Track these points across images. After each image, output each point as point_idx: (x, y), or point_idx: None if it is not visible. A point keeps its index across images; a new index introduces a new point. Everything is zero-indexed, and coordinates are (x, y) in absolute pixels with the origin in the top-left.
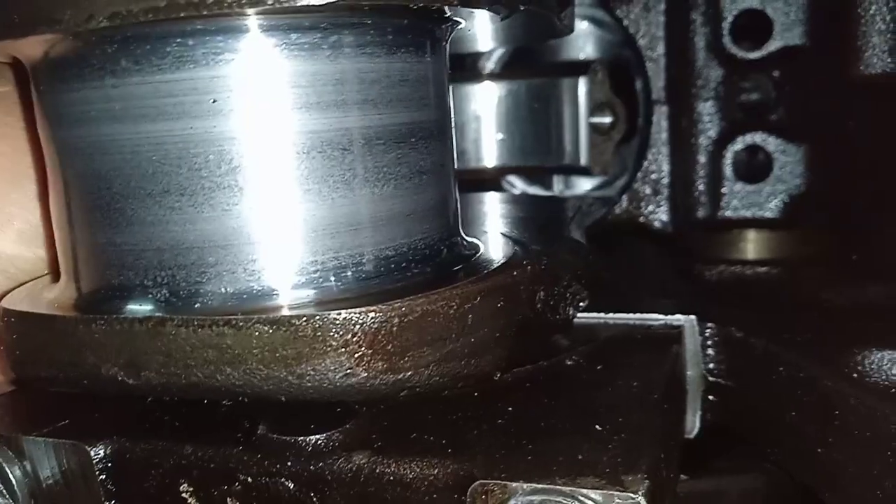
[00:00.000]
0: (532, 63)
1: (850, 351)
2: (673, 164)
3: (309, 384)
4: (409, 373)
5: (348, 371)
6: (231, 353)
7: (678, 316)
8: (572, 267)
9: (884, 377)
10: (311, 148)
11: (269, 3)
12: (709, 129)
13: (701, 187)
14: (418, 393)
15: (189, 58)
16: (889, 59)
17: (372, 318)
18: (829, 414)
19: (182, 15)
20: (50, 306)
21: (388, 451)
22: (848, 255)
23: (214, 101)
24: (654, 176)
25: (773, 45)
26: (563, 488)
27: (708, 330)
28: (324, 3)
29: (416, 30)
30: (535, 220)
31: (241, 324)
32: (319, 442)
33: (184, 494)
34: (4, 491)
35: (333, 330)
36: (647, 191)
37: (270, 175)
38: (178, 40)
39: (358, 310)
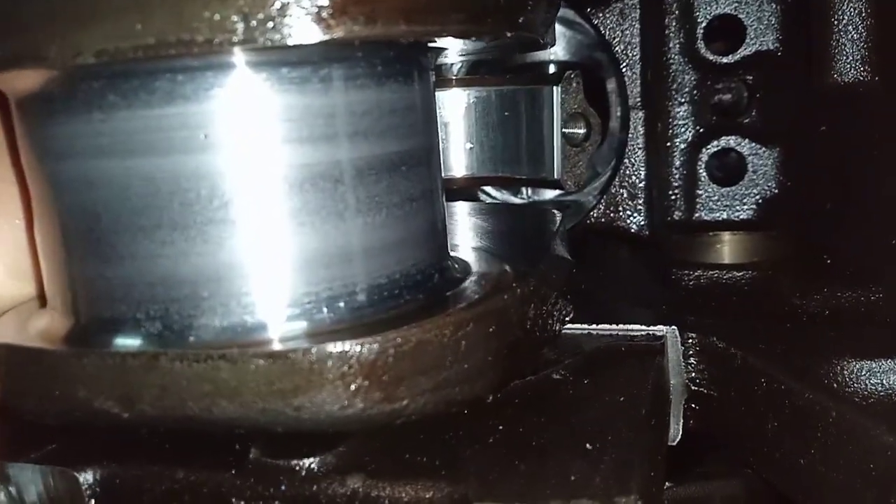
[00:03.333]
0: (501, 69)
1: (828, 361)
2: (649, 167)
3: (306, 416)
4: (405, 401)
5: (345, 402)
6: (227, 387)
7: (661, 327)
8: (559, 285)
9: (862, 388)
10: (303, 181)
11: (259, 41)
12: (684, 132)
13: (677, 190)
14: (413, 420)
15: (178, 93)
16: (861, 68)
17: (368, 349)
18: (808, 426)
19: (171, 52)
20: (38, 339)
21: (381, 474)
22: (820, 259)
23: (205, 136)
24: (630, 180)
25: (746, 51)
26: None
27: (689, 340)
28: (316, 41)
29: (405, 59)
30: (518, 232)
31: (236, 357)
32: (313, 466)
33: None
34: None
35: (330, 362)
36: (624, 195)
37: (263, 209)
38: (168, 76)
39: (354, 341)
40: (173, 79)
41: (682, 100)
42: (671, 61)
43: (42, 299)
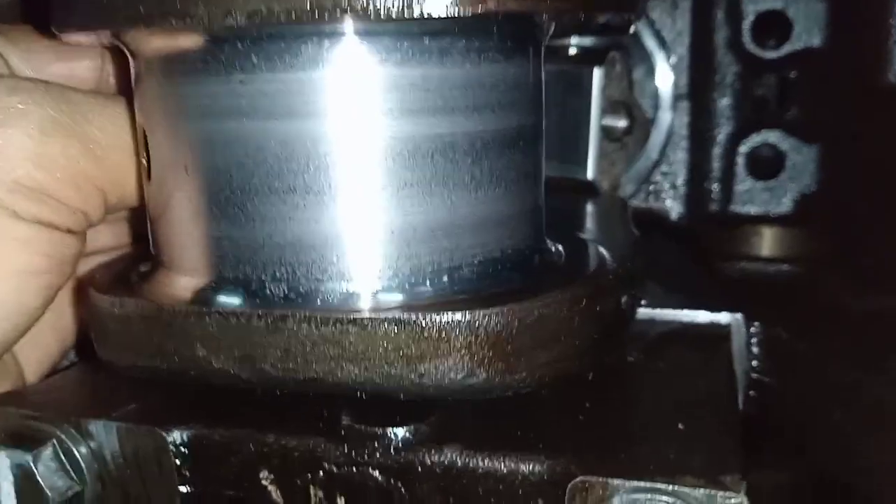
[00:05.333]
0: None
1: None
2: (690, 158)
3: (429, 383)
4: (524, 374)
5: (469, 371)
6: (353, 351)
7: (725, 314)
8: (642, 269)
9: None
10: (434, 151)
11: (413, 10)
12: (725, 125)
13: (715, 182)
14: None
15: (321, 58)
16: None
17: (495, 320)
18: (875, 417)
19: (326, 18)
20: (152, 295)
21: (478, 445)
22: (859, 257)
23: (343, 103)
24: (672, 169)
25: (791, 46)
26: (666, 486)
27: (752, 329)
28: (470, 13)
29: (528, 35)
30: (594, 216)
31: (366, 322)
32: (407, 434)
33: (264, 482)
34: (73, 473)
35: (458, 331)
36: (666, 184)
37: (396, 176)
38: (315, 39)
39: (482, 311)
40: (320, 43)
41: (725, 92)
42: (716, 53)
43: (137, 252)
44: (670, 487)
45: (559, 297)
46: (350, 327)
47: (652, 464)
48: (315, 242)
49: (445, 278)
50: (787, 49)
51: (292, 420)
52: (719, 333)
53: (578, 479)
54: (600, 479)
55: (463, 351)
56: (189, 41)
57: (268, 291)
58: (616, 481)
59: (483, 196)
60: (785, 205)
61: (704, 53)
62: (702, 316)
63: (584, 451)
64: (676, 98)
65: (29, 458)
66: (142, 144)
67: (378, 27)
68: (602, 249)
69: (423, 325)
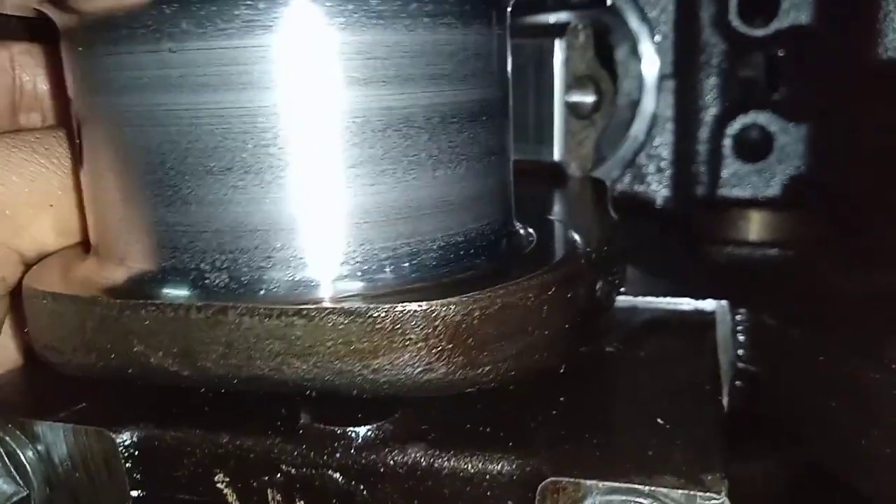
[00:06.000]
0: None
1: (891, 341)
2: (676, 140)
3: (384, 379)
4: (487, 367)
5: (427, 366)
6: (300, 345)
7: (710, 301)
8: (620, 254)
9: None
10: (387, 125)
11: None
12: (711, 105)
13: (702, 165)
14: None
15: (259, 23)
16: None
17: (454, 310)
18: (868, 405)
19: None
20: (83, 287)
21: (444, 444)
22: (851, 240)
23: (285, 72)
24: (657, 152)
25: (779, 24)
26: (642, 487)
27: (737, 316)
28: None
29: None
30: (569, 198)
31: (313, 314)
32: (369, 433)
33: (219, 485)
34: (18, 477)
35: (414, 322)
36: (651, 168)
37: (345, 154)
38: (249, 3)
39: (439, 301)
40: (255, 6)
41: (711, 72)
42: (702, 32)
43: (84, 245)
44: (647, 489)
45: (525, 285)
46: (296, 319)
47: (628, 462)
48: (256, 227)
49: (405, 265)
50: (774, 27)
51: (249, 419)
52: (704, 321)
53: (549, 479)
54: (572, 480)
55: (420, 344)
56: (113, 5)
57: (208, 281)
58: (589, 482)
59: (443, 175)
60: (773, 187)
61: (690, 32)
62: (686, 304)
63: (555, 449)
64: (661, 78)
65: None
66: (74, 125)
67: None
68: (574, 234)
69: (376, 316)
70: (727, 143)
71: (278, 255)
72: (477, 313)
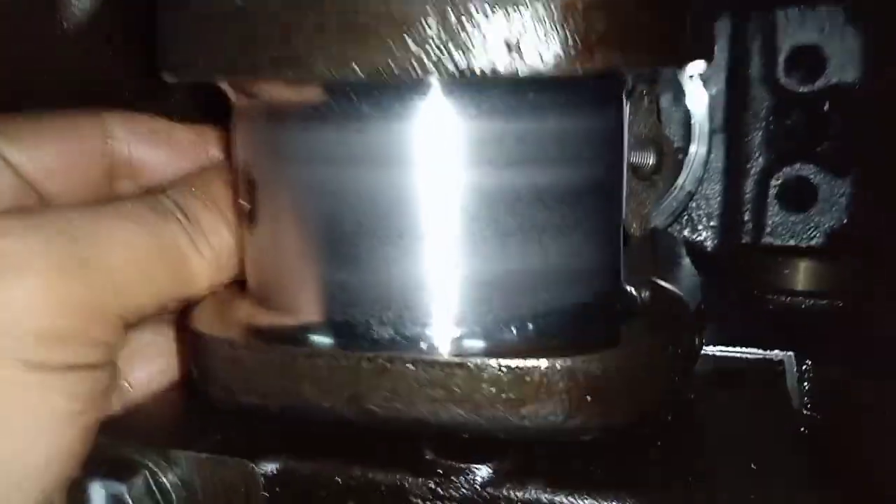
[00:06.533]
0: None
1: None
2: (724, 190)
3: (530, 425)
4: (617, 416)
5: (568, 414)
6: (459, 393)
7: (777, 351)
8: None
9: None
10: (533, 200)
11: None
12: (756, 157)
13: (746, 214)
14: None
15: (433, 110)
16: None
17: (594, 366)
18: None
19: (445, 77)
20: (254, 334)
21: (560, 483)
22: None
23: (462, 154)
24: (708, 201)
25: (825, 81)
26: None
27: (804, 366)
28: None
29: (611, 87)
30: (654, 254)
31: (471, 366)
32: (491, 470)
33: None
34: (162, 502)
35: (559, 376)
36: (702, 215)
37: (502, 225)
38: (429, 94)
39: (581, 357)
40: (433, 97)
41: (758, 125)
42: (751, 87)
43: (224, 292)
44: None
45: (650, 344)
46: (457, 370)
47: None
48: (422, 288)
49: (540, 323)
50: (820, 83)
51: (376, 454)
52: (773, 370)
53: None
54: None
55: (563, 395)
56: (308, 92)
57: (374, 334)
58: None
59: (574, 244)
60: (818, 237)
61: (739, 87)
62: (753, 353)
63: (666, 492)
64: (712, 132)
65: (123, 488)
66: (243, 188)
67: (489, 84)
68: (676, 291)
69: (527, 369)
70: (772, 193)
71: (438, 314)
72: (613, 368)
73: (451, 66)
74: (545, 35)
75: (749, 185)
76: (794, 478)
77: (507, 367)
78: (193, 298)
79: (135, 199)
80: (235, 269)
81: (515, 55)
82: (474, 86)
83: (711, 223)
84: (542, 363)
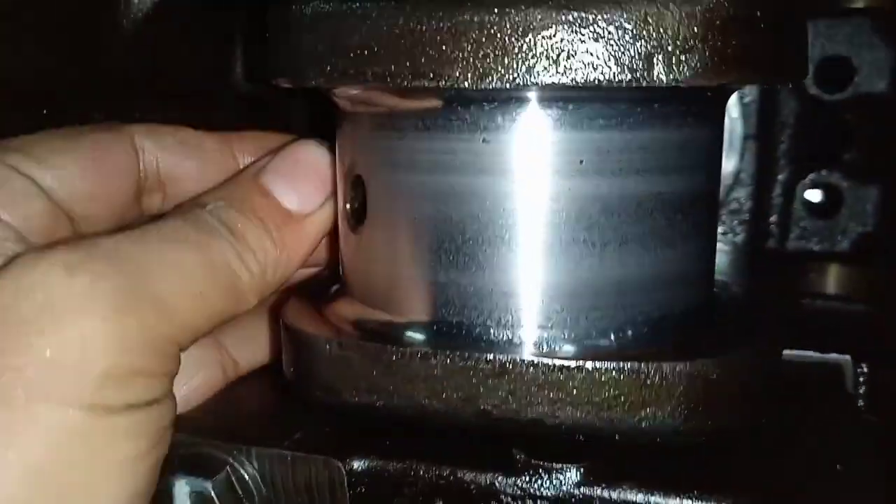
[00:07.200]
0: None
1: None
2: (754, 196)
3: (645, 427)
4: (725, 420)
5: (683, 417)
6: (577, 395)
7: (834, 355)
8: None
9: None
10: (652, 208)
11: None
12: (784, 164)
13: (773, 219)
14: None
15: (561, 122)
16: None
17: (711, 370)
18: None
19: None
20: (364, 336)
21: (652, 483)
22: None
23: (581, 162)
24: (737, 207)
25: (854, 90)
26: None
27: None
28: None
29: (723, 99)
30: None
31: (590, 369)
32: (583, 470)
33: None
34: (244, 499)
35: (678, 379)
36: (734, 221)
37: (621, 233)
38: (560, 104)
39: (700, 361)
40: (562, 107)
41: (787, 132)
42: (779, 95)
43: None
44: None
45: (756, 349)
46: (576, 373)
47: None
48: (542, 293)
49: (652, 328)
50: (849, 93)
51: (464, 454)
52: (833, 373)
53: None
54: None
55: (681, 398)
56: (438, 101)
57: (492, 336)
58: None
59: (682, 251)
60: (844, 243)
61: (769, 95)
62: (811, 356)
63: (758, 493)
64: (745, 138)
65: (208, 485)
66: (349, 189)
67: (616, 95)
68: (756, 300)
69: (646, 373)
70: (797, 199)
71: (557, 317)
72: (727, 373)
73: (580, 78)
74: (684, 50)
75: (776, 191)
76: (874, 479)
77: (628, 369)
78: (241, 314)
79: (176, 218)
80: (281, 281)
81: (651, 68)
82: (601, 97)
83: (740, 228)
84: (663, 367)
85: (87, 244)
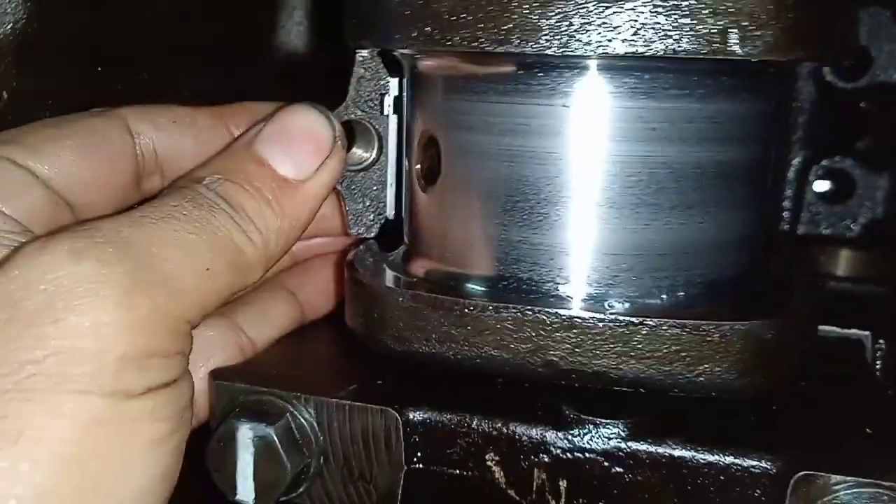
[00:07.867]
0: None
1: None
2: None
3: (703, 381)
4: (775, 377)
5: (739, 373)
6: (640, 350)
7: (854, 330)
8: None
9: None
10: (704, 177)
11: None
12: (798, 149)
13: (785, 203)
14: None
15: (636, 90)
16: None
17: (766, 329)
18: None
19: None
20: (435, 289)
21: (699, 439)
22: None
23: (653, 129)
24: None
25: (870, 79)
26: (885, 483)
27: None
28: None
29: (789, 74)
30: None
31: (654, 325)
32: (631, 425)
33: (489, 463)
34: (303, 445)
35: (737, 337)
36: None
37: (687, 198)
38: (637, 74)
39: (757, 322)
40: (642, 77)
41: (803, 119)
42: (797, 81)
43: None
44: (888, 484)
45: (804, 313)
46: (641, 328)
47: (865, 463)
48: (610, 252)
49: (708, 289)
50: (865, 81)
51: (516, 407)
52: (855, 348)
53: (803, 473)
54: (824, 475)
55: (738, 355)
56: (520, 66)
57: (559, 292)
58: (838, 477)
59: (739, 219)
60: (855, 229)
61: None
62: (833, 331)
63: (802, 449)
64: None
65: (271, 430)
66: (418, 150)
67: (692, 66)
68: (791, 270)
69: (707, 331)
70: (809, 184)
71: (623, 275)
72: (780, 333)
73: (660, 48)
74: (759, 26)
75: (790, 176)
76: None
77: (690, 327)
78: (249, 287)
79: (174, 196)
80: (286, 249)
81: (726, 41)
82: (675, 68)
83: None
84: (723, 325)
85: (89, 229)
